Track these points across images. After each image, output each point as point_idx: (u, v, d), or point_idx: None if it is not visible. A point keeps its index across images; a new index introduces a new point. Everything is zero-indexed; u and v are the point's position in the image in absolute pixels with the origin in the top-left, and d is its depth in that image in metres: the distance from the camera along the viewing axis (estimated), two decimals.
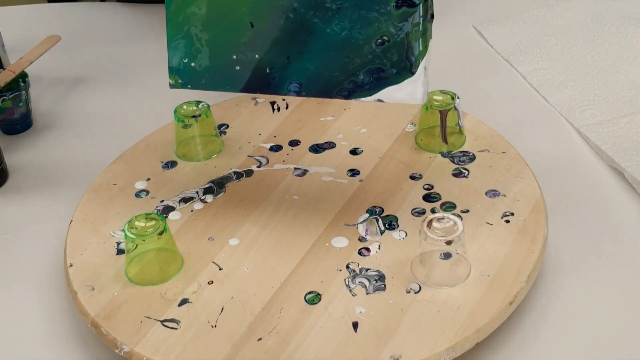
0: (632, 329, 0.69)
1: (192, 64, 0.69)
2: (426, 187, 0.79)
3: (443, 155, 0.82)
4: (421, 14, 0.65)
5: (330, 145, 0.85)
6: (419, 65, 0.66)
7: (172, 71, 0.69)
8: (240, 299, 0.69)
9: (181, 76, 0.69)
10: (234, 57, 0.66)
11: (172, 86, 0.70)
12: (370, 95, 0.66)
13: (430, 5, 0.66)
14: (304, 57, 0.65)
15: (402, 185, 0.79)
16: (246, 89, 0.67)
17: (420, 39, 0.66)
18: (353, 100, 0.67)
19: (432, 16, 0.66)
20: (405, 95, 0.66)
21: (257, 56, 0.66)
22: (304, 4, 0.65)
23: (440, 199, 0.77)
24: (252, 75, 0.66)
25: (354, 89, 0.66)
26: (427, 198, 0.78)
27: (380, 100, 0.66)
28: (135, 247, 0.70)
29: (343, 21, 0.64)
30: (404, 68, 0.66)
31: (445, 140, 0.83)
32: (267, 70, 0.65)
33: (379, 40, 0.65)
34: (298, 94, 0.66)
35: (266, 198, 0.79)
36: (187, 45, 0.68)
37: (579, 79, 0.97)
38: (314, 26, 0.65)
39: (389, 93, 0.66)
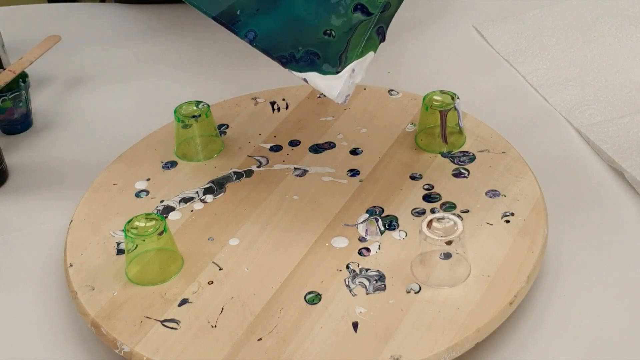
0: (632, 329, 0.69)
1: None
2: (426, 187, 0.79)
3: (443, 155, 0.82)
4: (371, 25, 0.68)
5: (330, 145, 0.85)
6: (346, 67, 0.69)
7: None
8: (240, 299, 0.69)
9: None
10: None
11: None
12: (300, 72, 0.69)
13: (383, 22, 0.69)
14: (269, 15, 0.69)
15: (402, 185, 0.79)
16: (216, 19, 0.70)
17: (362, 45, 0.69)
18: (287, 69, 0.70)
19: (384, 37, 0.70)
20: (324, 86, 0.69)
21: None
22: None
23: (440, 199, 0.77)
24: (226, 9, 0.69)
25: (290, 60, 0.69)
26: (427, 198, 0.78)
27: (305, 80, 0.70)
28: (135, 247, 0.70)
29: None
30: (332, 65, 0.69)
31: (445, 140, 0.83)
32: (237, 12, 0.69)
33: (327, 31, 0.68)
34: (250, 42, 0.69)
35: (266, 198, 0.79)
36: None
37: (579, 79, 0.97)
38: None
39: (313, 78, 0.69)
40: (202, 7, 0.70)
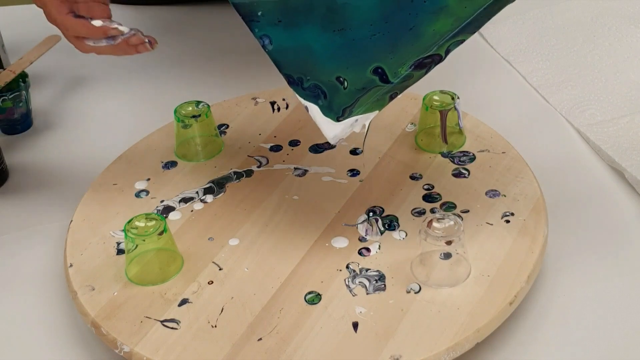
0: (632, 329, 0.69)
1: None
2: (426, 187, 0.79)
3: (443, 155, 0.82)
4: (386, 91, 0.67)
5: (330, 145, 0.85)
6: (348, 118, 0.67)
7: None
8: (240, 299, 0.69)
9: None
10: None
11: None
12: (303, 99, 0.68)
13: (399, 90, 0.67)
14: (289, 31, 0.66)
15: (402, 185, 0.79)
16: (236, 6, 0.66)
17: (370, 104, 0.67)
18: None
19: (396, 95, 0.68)
20: (322, 123, 0.68)
21: None
22: None
23: (440, 199, 0.77)
24: (247, 3, 0.66)
25: (296, 83, 0.68)
26: (427, 198, 0.78)
27: (306, 108, 0.68)
28: (135, 247, 0.70)
29: (337, 39, 0.65)
30: (335, 113, 0.68)
31: (445, 140, 0.83)
32: (259, 13, 0.66)
33: (340, 78, 0.66)
34: (263, 46, 0.67)
35: (266, 198, 0.79)
36: None
37: (579, 79, 0.97)
38: (317, 22, 0.65)
39: (314, 110, 0.68)
40: None
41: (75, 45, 0.71)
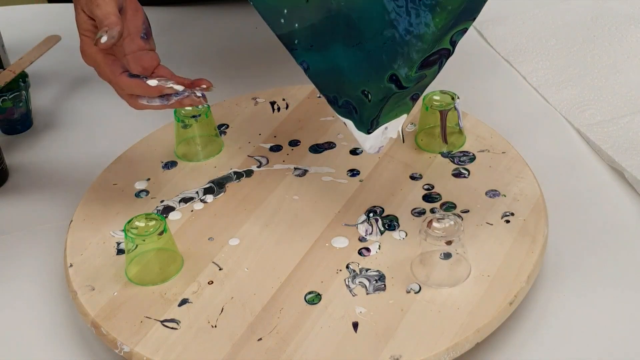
0: (632, 329, 0.69)
1: None
2: (426, 187, 0.79)
3: (443, 155, 0.82)
4: (405, 96, 0.69)
5: (330, 145, 0.85)
6: (377, 128, 0.71)
7: None
8: (240, 299, 0.69)
9: None
10: (285, 11, 0.70)
11: None
12: (341, 116, 0.72)
13: (418, 90, 0.70)
14: (320, 54, 0.70)
15: (402, 185, 0.79)
16: (280, 38, 0.72)
17: (395, 111, 0.70)
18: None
19: (418, 96, 0.70)
20: (358, 137, 0.72)
21: (296, 25, 0.70)
22: (347, 16, 0.67)
23: (440, 199, 0.77)
24: (286, 33, 0.71)
25: (333, 102, 0.72)
26: (427, 198, 0.78)
27: (345, 124, 0.72)
28: (135, 247, 0.70)
29: (358, 54, 0.68)
30: (365, 126, 0.71)
31: (445, 140, 0.83)
32: (295, 41, 0.70)
33: (365, 91, 0.69)
34: (305, 71, 0.71)
35: (266, 198, 0.79)
36: None
37: (579, 79, 0.97)
38: (340, 40, 0.68)
39: (351, 126, 0.72)
40: (268, 23, 0.72)
41: (129, 102, 0.72)
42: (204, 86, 0.72)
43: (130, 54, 0.73)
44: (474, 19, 0.66)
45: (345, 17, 0.67)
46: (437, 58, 0.66)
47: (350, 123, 0.71)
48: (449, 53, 0.67)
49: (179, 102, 0.71)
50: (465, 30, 0.66)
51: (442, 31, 0.63)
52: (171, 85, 0.71)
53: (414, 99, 0.70)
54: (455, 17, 0.63)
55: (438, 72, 0.68)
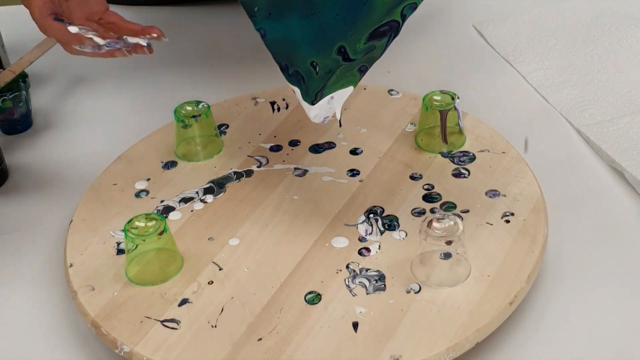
0: (632, 329, 0.69)
1: None
2: (426, 187, 0.79)
3: (443, 155, 0.82)
4: (352, 68, 0.71)
5: (330, 145, 0.85)
6: (321, 100, 0.72)
7: None
8: (240, 299, 0.69)
9: None
10: None
11: None
12: (290, 84, 0.73)
13: (367, 63, 0.71)
14: (276, 23, 0.71)
15: (402, 185, 0.79)
16: (242, 5, 0.72)
17: (342, 81, 0.72)
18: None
19: (366, 68, 0.72)
20: (304, 106, 0.73)
21: None
22: None
23: (440, 199, 0.77)
24: (247, 0, 0.71)
25: (284, 70, 0.72)
26: (427, 198, 0.78)
27: (293, 91, 0.73)
28: (135, 247, 0.70)
29: (311, 24, 0.69)
30: (309, 97, 0.72)
31: (445, 140, 0.83)
32: (255, 8, 0.71)
33: (313, 63, 0.70)
34: (262, 37, 0.72)
35: (266, 198, 0.79)
36: None
37: (578, 79, 0.97)
38: (297, 9, 0.69)
39: (298, 94, 0.73)
40: None
41: (64, 47, 0.72)
42: (155, 35, 0.72)
43: None
44: None
45: None
46: (387, 30, 0.69)
47: (298, 91, 0.72)
48: (398, 25, 0.69)
49: (109, 53, 0.71)
50: (415, 5, 0.68)
51: (393, 4, 0.66)
52: (91, 36, 0.69)
53: (362, 71, 0.72)
54: None
55: (387, 45, 0.70)
